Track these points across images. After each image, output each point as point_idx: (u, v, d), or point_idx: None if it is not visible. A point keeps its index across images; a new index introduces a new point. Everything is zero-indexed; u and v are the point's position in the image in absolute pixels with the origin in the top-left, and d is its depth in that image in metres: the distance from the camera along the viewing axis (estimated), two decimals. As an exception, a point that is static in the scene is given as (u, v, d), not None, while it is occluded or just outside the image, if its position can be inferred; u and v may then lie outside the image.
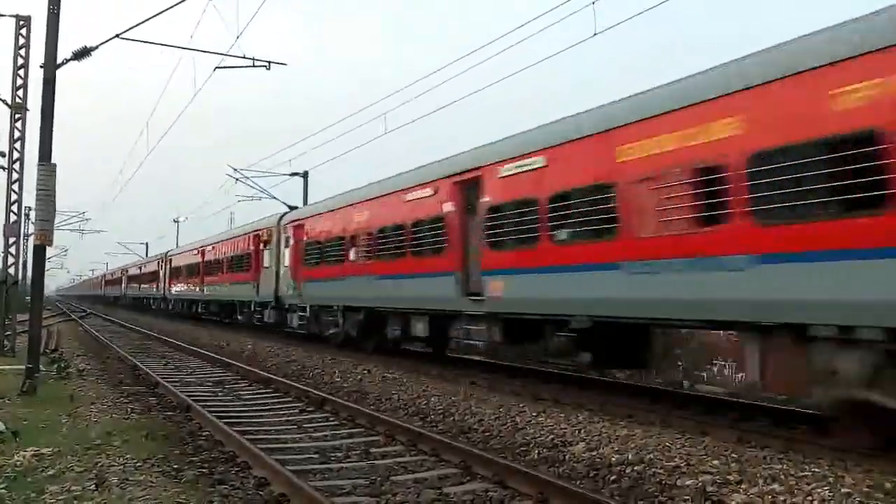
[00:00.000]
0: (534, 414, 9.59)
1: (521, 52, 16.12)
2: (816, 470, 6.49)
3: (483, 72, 17.24)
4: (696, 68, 9.70)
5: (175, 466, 7.18)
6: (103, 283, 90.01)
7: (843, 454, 7.22)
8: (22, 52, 16.88)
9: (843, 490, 5.92)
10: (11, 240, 18.72)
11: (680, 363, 15.99)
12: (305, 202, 30.96)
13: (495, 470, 6.93)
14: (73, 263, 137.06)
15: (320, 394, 11.71)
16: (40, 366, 13.01)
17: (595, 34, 12.76)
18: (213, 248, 32.85)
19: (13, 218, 17.98)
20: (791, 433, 8.46)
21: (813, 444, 7.80)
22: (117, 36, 14.07)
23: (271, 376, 14.20)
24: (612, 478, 6.90)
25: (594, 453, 7.59)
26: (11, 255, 18.87)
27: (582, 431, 8.47)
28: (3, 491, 6.24)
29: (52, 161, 12.83)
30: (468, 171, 13.26)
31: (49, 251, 15.52)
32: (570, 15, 13.02)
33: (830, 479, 6.18)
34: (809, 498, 5.83)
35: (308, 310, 20.97)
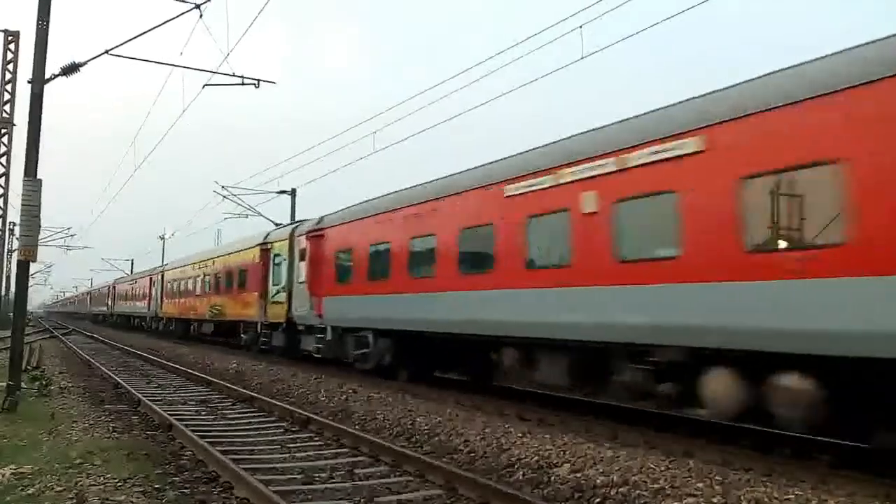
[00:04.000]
0: (519, 434, 9.58)
1: (510, 73, 16.27)
2: (800, 493, 6.51)
3: (471, 92, 17.37)
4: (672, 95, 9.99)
5: (156, 486, 7.11)
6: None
7: (826, 477, 7.25)
8: (10, 66, 16.87)
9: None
10: (-5, 255, 18.58)
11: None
12: (293, 219, 30.98)
13: (480, 492, 6.90)
14: (57, 280, 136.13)
15: (305, 413, 11.64)
16: (21, 383, 12.87)
17: (583, 57, 12.93)
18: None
19: (-3, 233, 17.85)
20: (775, 456, 8.49)
21: (796, 466, 7.83)
22: (106, 52, 14.09)
23: (256, 395, 14.10)
24: (597, 500, 6.89)
25: (579, 475, 7.58)
26: (-6, 270, 18.73)
27: (567, 452, 8.46)
28: (-20, 510, 6.16)
29: (38, 176, 12.78)
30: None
31: (33, 267, 15.42)
32: (558, 38, 13.18)
33: (814, 502, 6.20)
34: (793, 521, 5.84)
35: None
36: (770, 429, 9.92)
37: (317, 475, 7.94)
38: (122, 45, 14.18)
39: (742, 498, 6.41)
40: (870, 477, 7.28)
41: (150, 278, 44.62)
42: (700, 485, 6.88)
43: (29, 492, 6.74)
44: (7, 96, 16.80)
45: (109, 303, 63.70)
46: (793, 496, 6.41)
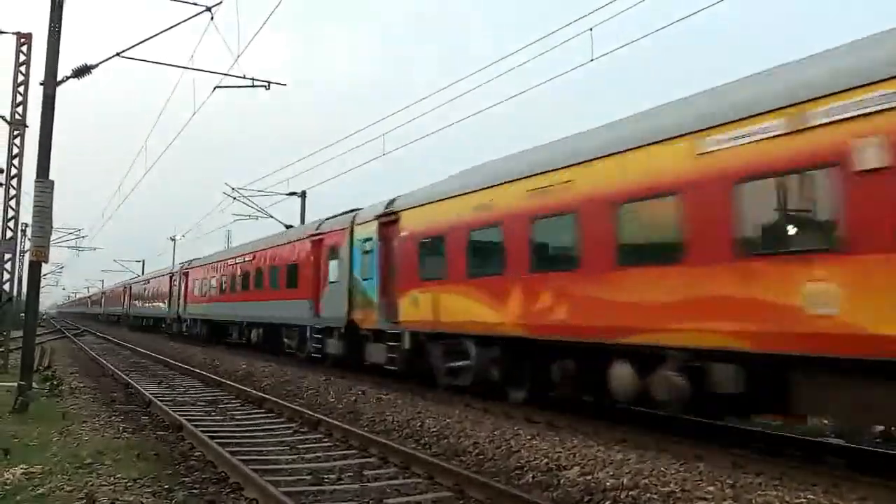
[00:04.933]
0: (528, 437, 9.54)
1: (521, 75, 16.25)
2: (811, 497, 6.46)
3: (481, 94, 17.37)
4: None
5: (166, 487, 7.12)
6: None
7: (838, 481, 7.19)
8: (22, 68, 16.96)
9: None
10: (7, 256, 18.67)
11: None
12: (303, 221, 31.03)
13: (489, 494, 6.88)
14: (68, 281, 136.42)
15: (314, 415, 11.65)
16: (33, 383, 12.93)
17: (592, 59, 12.84)
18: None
19: (9, 234, 17.95)
20: (785, 459, 8.42)
21: (808, 470, 7.77)
22: (118, 54, 14.15)
23: (265, 396, 14.12)
24: (607, 502, 6.85)
25: (589, 478, 7.54)
26: (7, 271, 18.82)
27: (576, 455, 8.42)
28: (-9, 510, 6.18)
29: (50, 178, 12.85)
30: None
31: (44, 268, 15.48)
32: (568, 40, 13.14)
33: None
34: (804, 525, 5.79)
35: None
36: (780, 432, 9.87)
37: (326, 476, 7.93)
38: (133, 47, 14.24)
39: (753, 501, 6.36)
40: (882, 481, 7.21)
41: (324, 241, 20.21)
42: (711, 488, 6.83)
43: (39, 491, 6.76)
44: (20, 98, 16.89)
45: (171, 302, 41.93)
46: (804, 500, 6.36)
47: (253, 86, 16.41)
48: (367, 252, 17.28)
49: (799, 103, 7.64)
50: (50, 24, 12.79)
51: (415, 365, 15.24)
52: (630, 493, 6.93)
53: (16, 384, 12.58)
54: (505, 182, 12.37)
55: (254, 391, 14.99)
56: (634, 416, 11.71)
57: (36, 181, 12.80)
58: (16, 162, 16.90)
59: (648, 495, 6.80)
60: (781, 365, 7.87)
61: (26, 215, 17.72)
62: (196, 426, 10.62)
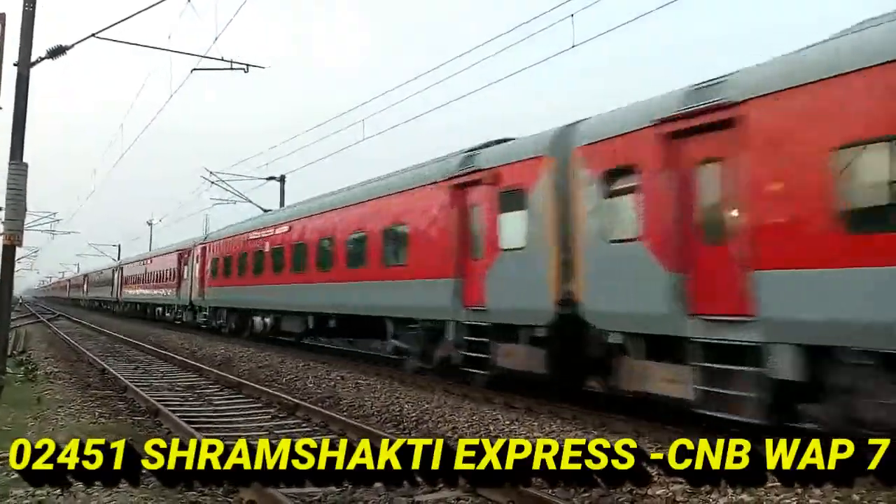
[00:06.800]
0: (507, 422, 9.59)
1: (500, 62, 16.19)
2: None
3: (462, 80, 17.28)
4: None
5: (142, 472, 7.05)
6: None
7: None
8: (-5, 48, 16.62)
9: (811, 501, 5.99)
10: (-20, 239, 18.38)
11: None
12: (282, 205, 30.86)
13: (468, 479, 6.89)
14: (44, 265, 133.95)
15: (292, 400, 11.62)
16: (7, 368, 12.79)
17: (574, 46, 12.87)
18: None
19: (-18, 217, 17.67)
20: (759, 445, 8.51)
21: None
22: (93, 35, 13.93)
23: (243, 381, 14.06)
24: (583, 487, 6.89)
25: (566, 462, 7.56)
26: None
27: (555, 440, 8.46)
28: (-36, 495, 6.10)
29: (24, 160, 12.65)
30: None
31: (19, 252, 15.26)
32: (550, 26, 13.13)
33: (798, 491, 6.22)
34: (778, 509, 5.87)
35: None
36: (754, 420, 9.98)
37: (304, 461, 7.90)
38: (109, 27, 14.03)
39: (727, 486, 6.42)
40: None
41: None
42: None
43: (13, 476, 6.68)
44: (-8, 78, 16.57)
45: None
46: (778, 484, 6.41)
47: (231, 68, 16.23)
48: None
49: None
50: (24, 4, 12.56)
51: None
52: (607, 477, 6.97)
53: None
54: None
55: (232, 376, 14.91)
56: (614, 402, 11.81)
57: (10, 163, 12.61)
58: (-12, 143, 16.60)
59: (625, 478, 6.84)
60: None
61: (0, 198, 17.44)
62: (173, 411, 10.56)
